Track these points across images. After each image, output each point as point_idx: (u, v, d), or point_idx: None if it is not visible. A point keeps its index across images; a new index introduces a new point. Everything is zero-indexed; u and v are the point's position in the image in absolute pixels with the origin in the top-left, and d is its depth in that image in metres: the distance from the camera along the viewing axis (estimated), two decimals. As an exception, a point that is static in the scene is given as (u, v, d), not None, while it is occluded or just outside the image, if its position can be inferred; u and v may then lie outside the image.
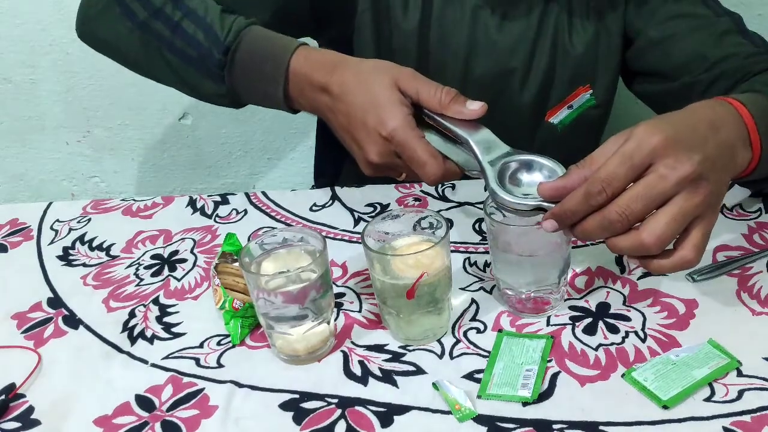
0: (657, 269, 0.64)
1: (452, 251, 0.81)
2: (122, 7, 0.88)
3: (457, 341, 0.72)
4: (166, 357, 0.74)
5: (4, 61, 1.58)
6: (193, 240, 0.92)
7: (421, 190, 0.97)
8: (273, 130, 1.68)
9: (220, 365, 0.72)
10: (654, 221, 0.61)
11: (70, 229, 0.96)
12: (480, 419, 0.64)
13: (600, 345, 0.70)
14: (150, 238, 0.93)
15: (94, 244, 0.93)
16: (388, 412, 0.65)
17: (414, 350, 0.72)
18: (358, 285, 0.81)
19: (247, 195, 1.00)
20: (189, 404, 0.68)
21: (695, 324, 0.72)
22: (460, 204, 0.94)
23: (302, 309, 0.69)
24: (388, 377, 0.69)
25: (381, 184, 0.97)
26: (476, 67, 0.97)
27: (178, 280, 0.85)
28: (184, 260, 0.88)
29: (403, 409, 0.66)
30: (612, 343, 0.70)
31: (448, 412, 0.65)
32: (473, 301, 0.77)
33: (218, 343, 0.75)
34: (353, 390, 0.68)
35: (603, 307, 0.75)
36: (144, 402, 0.69)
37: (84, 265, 0.89)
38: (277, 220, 0.94)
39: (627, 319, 0.73)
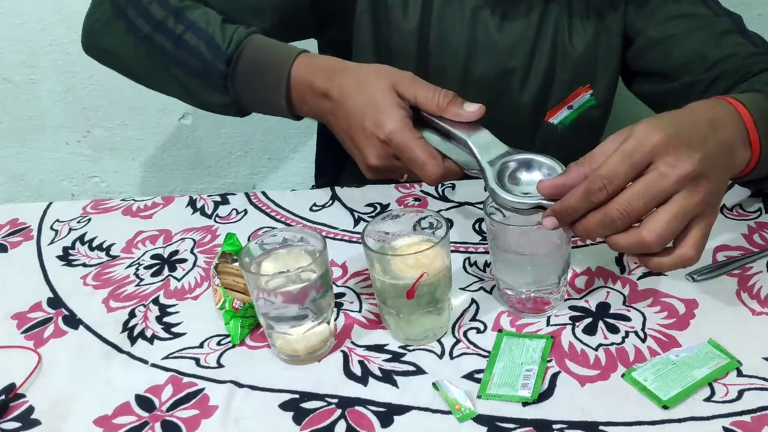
0: (656, 267, 0.64)
1: (452, 251, 0.81)
2: (126, 22, 0.89)
3: (457, 341, 0.72)
4: (166, 357, 0.74)
5: (4, 61, 1.58)
6: (193, 240, 0.92)
7: (421, 190, 0.97)
8: (273, 130, 1.68)
9: (220, 365, 0.72)
10: (654, 219, 0.61)
11: (70, 229, 0.96)
12: (480, 419, 0.64)
13: (600, 345, 0.70)
14: (150, 238, 0.93)
15: (94, 244, 0.93)
16: (388, 412, 0.65)
17: (414, 350, 0.72)
18: (358, 285, 0.81)
19: (247, 195, 1.00)
20: (189, 404, 0.68)
21: (695, 324, 0.72)
22: (460, 204, 0.94)
23: (302, 309, 0.69)
24: (388, 377, 0.69)
25: (381, 184, 0.97)
26: (476, 67, 0.97)
27: (178, 280, 0.85)
28: (184, 260, 0.88)
29: (403, 409, 0.66)
30: (612, 343, 0.70)
31: (448, 412, 0.65)
32: (473, 301, 0.77)
33: (218, 343, 0.75)
34: (353, 390, 0.68)
35: (603, 307, 0.75)
36: (144, 402, 0.69)
37: (84, 265, 0.89)
38: (277, 220, 0.94)
39: (627, 319, 0.73)
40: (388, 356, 0.71)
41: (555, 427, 0.62)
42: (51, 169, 1.74)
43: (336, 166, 1.17)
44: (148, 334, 0.77)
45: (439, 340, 0.73)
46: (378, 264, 0.70)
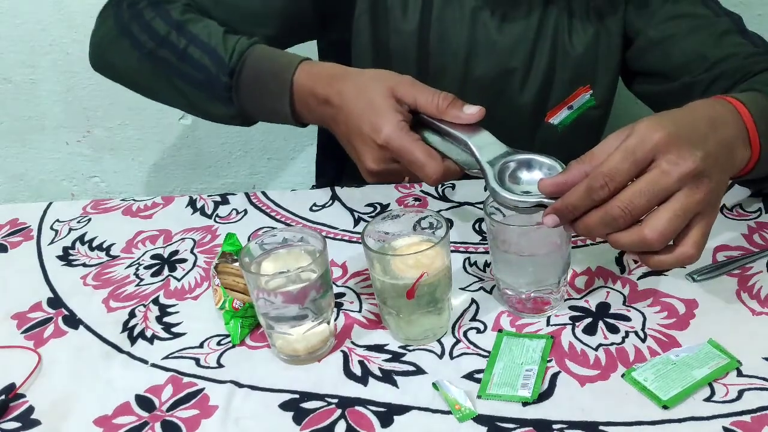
0: (657, 265, 0.64)
1: (452, 251, 0.81)
2: (130, 39, 0.91)
3: (457, 341, 0.72)
4: (166, 357, 0.74)
5: (4, 61, 1.58)
6: (193, 240, 0.92)
7: (421, 190, 0.97)
8: (273, 130, 1.68)
9: (220, 365, 0.72)
10: (656, 217, 0.61)
11: (70, 229, 0.96)
12: (480, 419, 0.64)
13: (600, 345, 0.70)
14: (150, 238, 0.93)
15: (94, 244, 0.93)
16: (388, 412, 0.65)
17: (414, 350, 0.72)
18: (358, 285, 0.81)
19: (247, 195, 1.00)
20: (189, 404, 0.68)
21: (695, 324, 0.72)
22: (460, 204, 0.94)
23: (302, 309, 0.69)
24: (388, 377, 0.69)
25: (381, 184, 0.97)
26: (476, 67, 0.97)
27: (178, 280, 0.85)
28: (184, 260, 0.88)
29: (403, 409, 0.66)
30: (612, 343, 0.70)
31: (448, 412, 0.65)
32: (473, 301, 0.77)
33: (218, 343, 0.75)
34: (353, 390, 0.68)
35: (603, 307, 0.75)
36: (144, 402, 0.69)
37: (84, 265, 0.89)
38: (277, 220, 0.94)
39: (627, 319, 0.73)
40: (388, 356, 0.71)
41: (555, 427, 0.62)
42: (51, 169, 1.74)
43: (336, 168, 1.18)
44: (148, 334, 0.77)
45: (439, 340, 0.72)
46: (378, 264, 0.70)
